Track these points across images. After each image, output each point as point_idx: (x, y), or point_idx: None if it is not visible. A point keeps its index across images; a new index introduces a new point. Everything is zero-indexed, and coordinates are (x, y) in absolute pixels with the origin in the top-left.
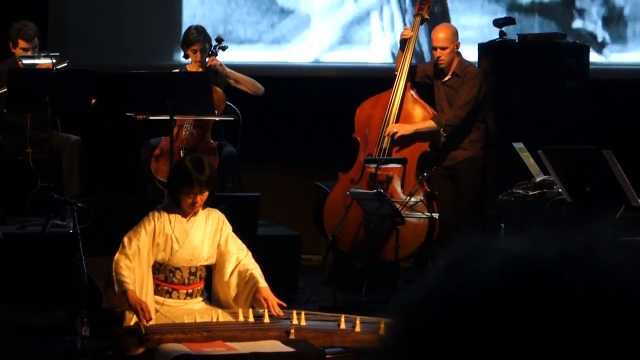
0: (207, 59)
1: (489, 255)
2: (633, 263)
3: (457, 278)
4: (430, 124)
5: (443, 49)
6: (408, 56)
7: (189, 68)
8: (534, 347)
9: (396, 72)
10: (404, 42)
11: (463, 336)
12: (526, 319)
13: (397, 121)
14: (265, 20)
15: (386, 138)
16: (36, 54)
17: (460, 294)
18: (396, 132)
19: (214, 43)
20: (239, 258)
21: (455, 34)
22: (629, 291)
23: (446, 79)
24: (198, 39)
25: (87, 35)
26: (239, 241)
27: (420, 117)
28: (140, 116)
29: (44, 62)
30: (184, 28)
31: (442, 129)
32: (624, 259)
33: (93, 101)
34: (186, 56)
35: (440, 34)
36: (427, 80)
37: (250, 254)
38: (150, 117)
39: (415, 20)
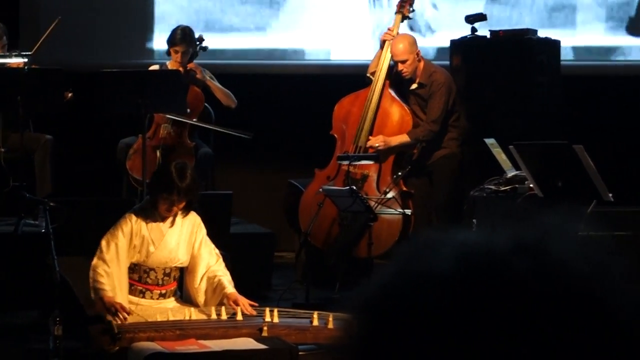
0: (187, 64)
1: (443, 247)
2: (587, 255)
3: (412, 270)
4: (407, 139)
5: (403, 62)
6: (387, 56)
7: (170, 66)
8: (489, 334)
9: (369, 74)
10: (383, 43)
11: (420, 327)
12: (481, 307)
13: (374, 119)
14: (240, 14)
15: (363, 135)
16: (6, 53)
17: (416, 285)
18: (378, 146)
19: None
20: (210, 264)
21: (413, 43)
22: (581, 282)
23: (413, 87)
24: (182, 41)
25: (58, 34)
26: (212, 245)
27: (398, 116)
28: (69, 94)
29: (15, 61)
30: (156, 26)
31: (418, 144)
32: (579, 250)
33: (69, 95)
34: (168, 53)
35: (400, 46)
36: (398, 84)
37: (221, 259)
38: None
39: (396, 18)
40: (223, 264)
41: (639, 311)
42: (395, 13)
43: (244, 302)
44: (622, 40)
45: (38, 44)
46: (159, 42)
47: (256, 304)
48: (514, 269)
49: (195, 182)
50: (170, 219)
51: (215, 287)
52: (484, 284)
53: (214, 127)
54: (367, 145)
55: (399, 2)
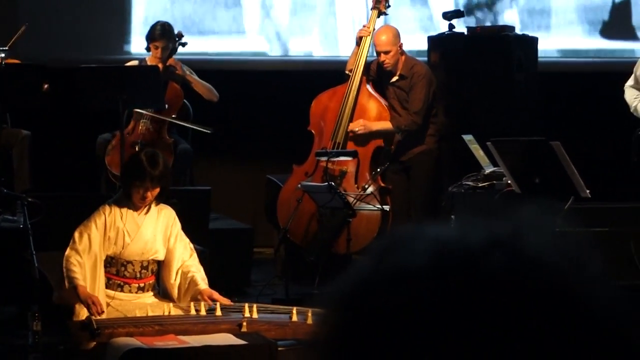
0: (166, 61)
1: (418, 242)
2: (562, 249)
3: (386, 265)
4: (389, 126)
5: (386, 52)
6: (364, 52)
7: (149, 61)
8: (463, 330)
9: (347, 71)
10: (360, 39)
11: (394, 322)
12: (454, 302)
13: (352, 115)
14: (215, 11)
15: (341, 132)
16: None
17: (389, 281)
18: (358, 130)
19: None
20: (184, 259)
21: (396, 35)
22: (555, 276)
23: (394, 79)
24: (162, 36)
25: (37, 29)
26: (186, 240)
27: (375, 112)
28: (45, 85)
29: None
30: (135, 21)
31: (399, 133)
32: (553, 245)
33: (45, 86)
34: (148, 49)
35: (383, 37)
36: (377, 78)
37: (195, 254)
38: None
39: (372, 14)
40: (197, 260)
41: (613, 306)
42: (371, 9)
43: (217, 296)
44: (597, 43)
45: (8, 45)
46: (138, 38)
47: (230, 302)
48: (487, 263)
49: (167, 168)
50: (145, 210)
51: (188, 283)
52: (458, 279)
53: (174, 120)
54: (348, 130)
55: None
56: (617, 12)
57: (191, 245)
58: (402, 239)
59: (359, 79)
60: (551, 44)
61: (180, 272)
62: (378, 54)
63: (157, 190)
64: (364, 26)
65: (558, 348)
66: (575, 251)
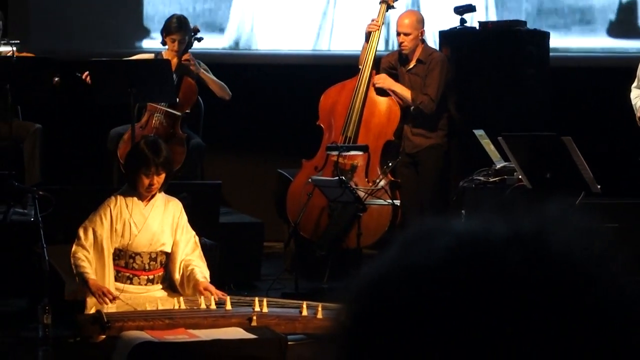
0: (182, 54)
1: (440, 236)
2: (585, 246)
3: (408, 259)
4: (407, 94)
5: (406, 34)
6: (373, 45)
7: (165, 55)
8: (483, 326)
9: (360, 65)
10: (369, 34)
11: (413, 316)
12: (474, 298)
13: (362, 109)
14: (228, 5)
15: (351, 126)
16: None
17: (408, 275)
18: (378, 82)
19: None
20: (187, 252)
21: (420, 21)
22: (578, 273)
23: (411, 66)
24: (178, 30)
25: (49, 22)
26: (192, 233)
27: (385, 106)
28: (56, 79)
29: (3, 49)
30: (147, 15)
31: (412, 107)
32: (576, 241)
33: (56, 79)
34: (164, 43)
35: (405, 20)
36: (392, 70)
37: (199, 248)
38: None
39: (381, 8)
40: (200, 253)
41: (635, 302)
42: (380, 2)
43: (213, 290)
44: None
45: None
46: (150, 33)
47: (226, 296)
48: (508, 259)
49: (169, 154)
50: (152, 202)
51: (188, 276)
52: (479, 275)
53: (166, 108)
54: (372, 83)
55: None
56: (624, 12)
57: (196, 238)
58: (423, 234)
59: (368, 73)
60: (559, 43)
61: (182, 265)
62: (398, 34)
63: (163, 176)
64: (372, 21)
65: (582, 344)
66: (598, 246)
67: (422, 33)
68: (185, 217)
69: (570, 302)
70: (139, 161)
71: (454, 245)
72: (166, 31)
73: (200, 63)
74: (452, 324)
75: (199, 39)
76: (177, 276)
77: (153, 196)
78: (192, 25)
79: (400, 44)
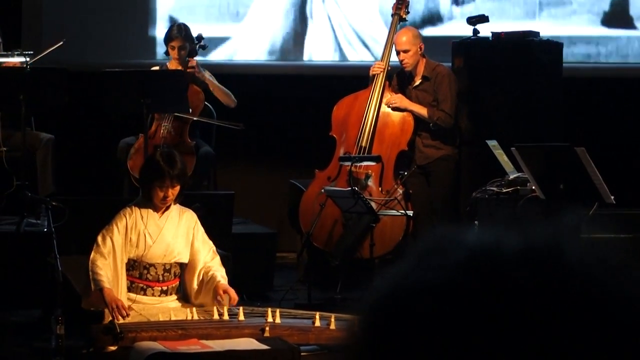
0: (187, 58)
1: (452, 251)
2: (600, 260)
3: (421, 273)
4: (424, 112)
5: (406, 51)
6: (386, 55)
7: (170, 65)
8: (495, 340)
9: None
10: (373, 77)
11: (427, 330)
12: (487, 314)
13: (376, 120)
14: (239, 17)
15: (365, 136)
16: (5, 52)
17: (423, 290)
18: (394, 102)
19: (194, 42)
20: (206, 261)
21: (417, 36)
22: (593, 288)
23: (416, 83)
24: (178, 35)
25: (61, 33)
26: (210, 243)
27: (399, 116)
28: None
29: (15, 60)
30: (158, 27)
31: (431, 123)
32: (591, 255)
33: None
34: (167, 53)
35: (403, 38)
36: (399, 90)
37: (217, 257)
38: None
39: (393, 20)
40: (219, 261)
41: None
42: (392, 15)
43: (233, 292)
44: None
45: (40, 56)
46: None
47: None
48: (523, 273)
49: (184, 166)
50: (167, 213)
51: (209, 280)
52: (492, 290)
53: (204, 119)
54: (385, 103)
55: (394, 4)
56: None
57: (214, 248)
58: (436, 247)
59: (382, 83)
60: (556, 31)
61: (202, 272)
62: (398, 53)
63: (177, 188)
64: (376, 63)
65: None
66: (615, 259)
67: (422, 47)
68: (201, 228)
69: (586, 316)
70: (154, 173)
71: (466, 260)
72: (167, 38)
73: (205, 70)
74: (466, 340)
75: (204, 47)
76: (194, 285)
77: (168, 207)
78: (196, 34)
79: (401, 62)
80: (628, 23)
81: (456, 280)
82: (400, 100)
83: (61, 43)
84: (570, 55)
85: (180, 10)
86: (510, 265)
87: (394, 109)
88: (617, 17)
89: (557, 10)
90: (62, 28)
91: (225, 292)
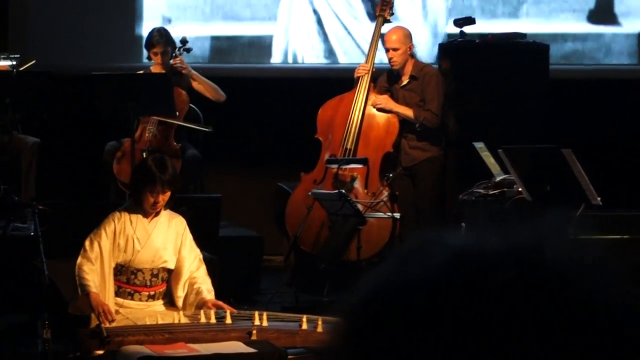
0: (170, 61)
1: (435, 251)
2: (580, 260)
3: (403, 274)
4: (410, 113)
5: (395, 50)
6: (370, 57)
7: (153, 70)
8: (476, 339)
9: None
10: (358, 79)
11: (409, 331)
12: (469, 313)
13: (361, 122)
14: (224, 23)
15: (351, 138)
16: None
17: (405, 290)
18: (379, 104)
19: (178, 45)
20: (192, 270)
21: (407, 36)
22: (572, 288)
23: (404, 82)
24: (159, 41)
25: (47, 37)
26: (197, 251)
27: (384, 118)
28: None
29: (2, 64)
30: (145, 31)
31: (417, 124)
32: (572, 256)
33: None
34: (149, 58)
35: (393, 36)
36: (386, 91)
37: (203, 266)
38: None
39: (377, 21)
40: (205, 271)
41: (634, 315)
42: (377, 16)
43: (224, 305)
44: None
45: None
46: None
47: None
48: (504, 273)
49: (175, 172)
50: (156, 218)
51: (194, 294)
52: (474, 290)
53: (176, 121)
54: (371, 104)
55: (379, 5)
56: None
57: (200, 256)
58: (418, 248)
59: (367, 85)
60: (541, 29)
61: (187, 283)
62: (387, 50)
63: (168, 194)
64: (361, 65)
65: (579, 357)
66: (596, 259)
67: (411, 47)
68: (190, 235)
69: (566, 315)
70: (145, 178)
71: (448, 260)
72: (148, 44)
73: (188, 67)
74: (448, 339)
75: (188, 50)
76: (180, 293)
77: (158, 213)
78: (179, 37)
79: (389, 60)
80: (612, 20)
81: (438, 280)
82: (385, 101)
83: (33, 62)
84: (556, 51)
85: (169, 11)
86: (492, 265)
87: (380, 110)
88: (602, 14)
89: (541, 7)
90: (49, 32)
91: (214, 306)
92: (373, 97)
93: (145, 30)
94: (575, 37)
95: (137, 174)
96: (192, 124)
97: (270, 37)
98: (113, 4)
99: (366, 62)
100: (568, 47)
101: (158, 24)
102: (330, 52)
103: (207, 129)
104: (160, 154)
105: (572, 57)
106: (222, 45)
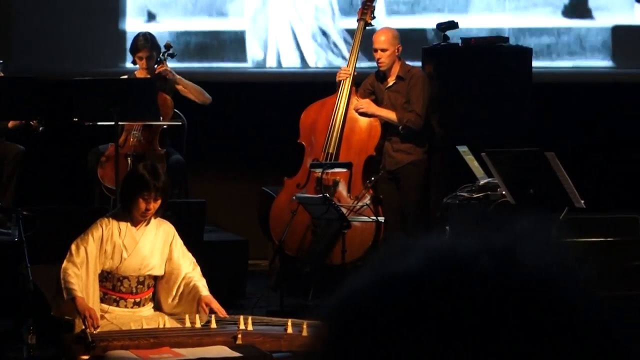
0: (155, 66)
1: (413, 251)
2: (554, 258)
3: (382, 273)
4: (392, 116)
5: (383, 50)
6: (352, 61)
7: (137, 74)
8: (453, 332)
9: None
10: (339, 83)
11: (384, 329)
12: (443, 307)
13: (343, 126)
14: (211, 25)
15: (333, 143)
16: None
17: (380, 289)
18: (361, 108)
19: (162, 50)
20: (187, 272)
21: (396, 37)
22: (546, 283)
23: (390, 83)
24: (145, 46)
25: (31, 42)
26: (190, 255)
27: (366, 122)
28: (88, 123)
29: None
30: (129, 36)
31: (400, 127)
32: (546, 254)
33: (40, 129)
34: (134, 62)
35: (382, 37)
36: (370, 95)
37: (198, 268)
38: (98, 124)
39: (359, 25)
40: (199, 272)
41: (603, 316)
42: (358, 20)
43: (216, 305)
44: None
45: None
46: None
47: (226, 316)
48: (476, 269)
49: (167, 180)
50: (144, 225)
51: (190, 291)
52: (447, 284)
53: (147, 122)
54: (353, 109)
55: (360, 9)
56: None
57: (194, 260)
58: (397, 250)
59: (348, 89)
60: (515, 23)
61: (182, 284)
62: (375, 50)
63: (159, 202)
64: (342, 69)
65: (543, 353)
66: (568, 260)
67: (399, 49)
68: (180, 241)
69: (535, 312)
70: (139, 185)
71: (424, 258)
72: (133, 49)
73: (173, 72)
74: (424, 334)
75: (173, 55)
76: (172, 293)
77: (147, 221)
78: (164, 42)
79: (377, 61)
80: (586, 14)
81: (415, 277)
82: (367, 105)
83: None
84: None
85: (154, 8)
86: (466, 261)
87: (362, 114)
88: (576, 8)
89: (518, 2)
90: (32, 37)
91: (207, 305)
92: (355, 100)
93: (129, 36)
94: (550, 32)
95: (130, 181)
96: (163, 122)
97: (251, 41)
98: (96, 9)
99: (347, 65)
100: (543, 41)
101: (141, 19)
102: (312, 56)
103: (178, 124)
104: (150, 161)
105: (546, 52)
106: (203, 42)
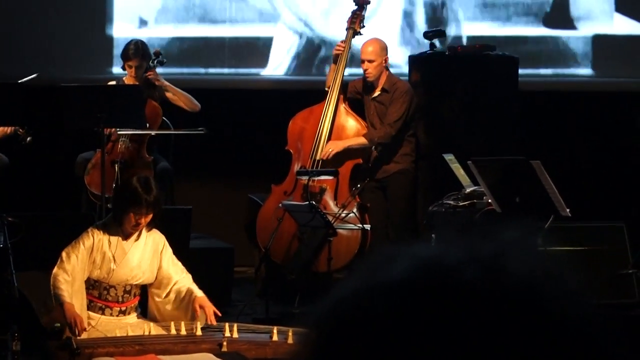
0: (144, 75)
1: (399, 259)
2: (541, 266)
3: (367, 281)
4: (362, 140)
5: (370, 61)
6: (340, 69)
7: (126, 80)
8: (439, 340)
9: (327, 87)
10: (336, 57)
11: (369, 337)
12: (429, 314)
13: (330, 134)
14: (197, 32)
15: (319, 150)
16: None
17: (366, 296)
18: (330, 151)
19: (152, 57)
20: (177, 279)
21: (384, 48)
22: (531, 290)
23: (375, 94)
24: (135, 55)
25: (16, 48)
26: (179, 264)
27: (354, 130)
28: (27, 138)
29: None
30: (117, 42)
31: (373, 146)
32: (532, 261)
33: (28, 139)
34: (123, 68)
35: (369, 48)
36: (357, 96)
37: (189, 275)
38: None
39: (348, 34)
40: (191, 279)
41: (589, 323)
42: (347, 29)
43: (210, 310)
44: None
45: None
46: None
47: (219, 313)
48: (464, 276)
49: (159, 194)
50: (134, 236)
51: (184, 296)
52: (433, 292)
53: (168, 131)
54: (320, 158)
55: (349, 18)
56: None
57: (184, 268)
58: (384, 258)
59: (336, 97)
60: (497, 32)
61: (174, 289)
62: (362, 61)
63: (151, 216)
64: (339, 43)
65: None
66: (554, 269)
67: (386, 60)
68: (169, 250)
69: (524, 319)
70: (130, 199)
71: (410, 265)
72: (124, 57)
73: (161, 79)
74: (410, 341)
75: (162, 62)
76: (164, 307)
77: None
78: (153, 49)
79: (364, 72)
80: (568, 24)
81: (401, 285)
82: (333, 146)
83: (34, 76)
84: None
85: (144, 13)
86: (453, 269)
87: (334, 156)
88: (557, 17)
89: (499, 12)
90: (17, 43)
91: (201, 307)
92: (342, 109)
93: (117, 42)
94: (532, 41)
95: (122, 195)
96: (183, 130)
97: (245, 40)
98: (84, 15)
99: (336, 74)
100: (525, 50)
101: (130, 25)
102: (300, 64)
103: (200, 132)
104: (144, 176)
105: (529, 60)
106: (190, 48)
